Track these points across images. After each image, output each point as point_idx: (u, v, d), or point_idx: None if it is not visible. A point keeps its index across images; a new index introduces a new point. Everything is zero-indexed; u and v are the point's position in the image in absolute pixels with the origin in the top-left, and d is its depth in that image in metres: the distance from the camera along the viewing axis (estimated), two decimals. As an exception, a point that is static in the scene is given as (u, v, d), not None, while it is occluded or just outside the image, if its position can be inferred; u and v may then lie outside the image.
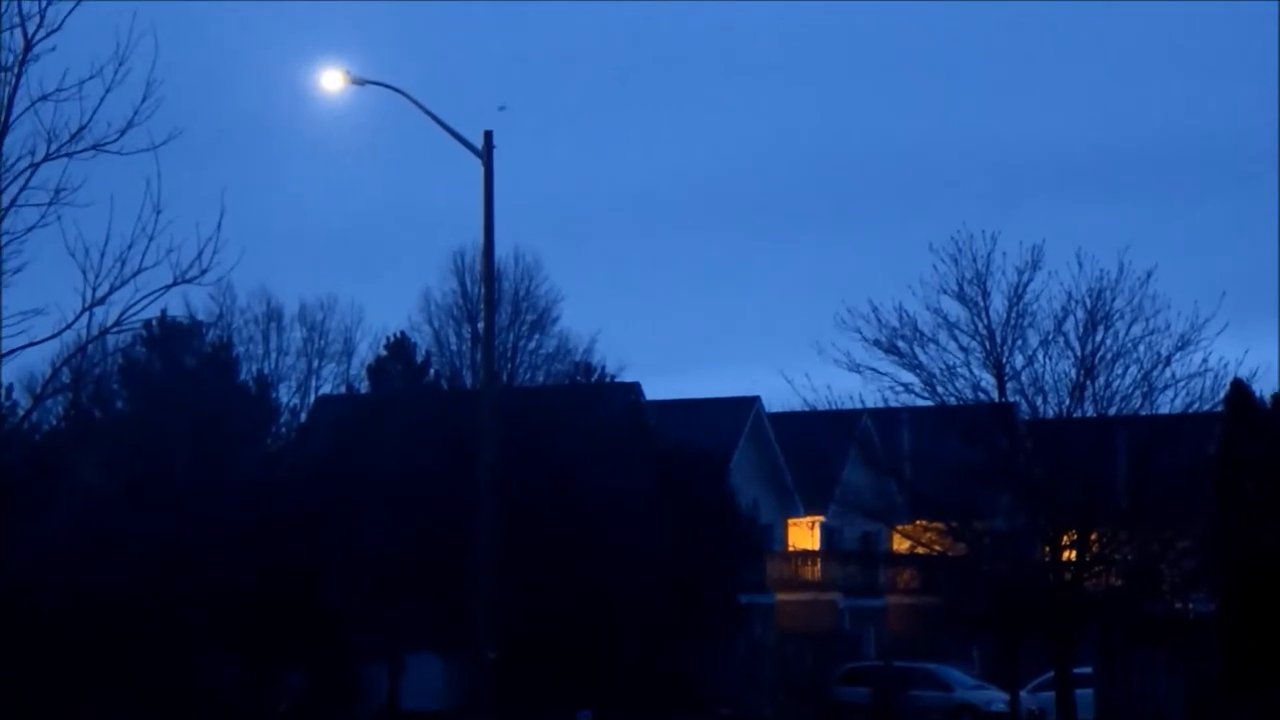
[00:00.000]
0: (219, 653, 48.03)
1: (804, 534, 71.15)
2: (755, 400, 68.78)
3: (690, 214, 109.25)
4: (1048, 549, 43.35)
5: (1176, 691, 45.04)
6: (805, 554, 70.08)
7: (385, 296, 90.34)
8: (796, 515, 70.23)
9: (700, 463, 55.54)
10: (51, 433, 46.23)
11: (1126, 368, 42.53)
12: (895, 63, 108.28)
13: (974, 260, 42.85)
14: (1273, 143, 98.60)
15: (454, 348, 53.30)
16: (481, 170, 38.61)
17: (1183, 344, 42.03)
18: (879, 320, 42.90)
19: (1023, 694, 50.99)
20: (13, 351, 27.20)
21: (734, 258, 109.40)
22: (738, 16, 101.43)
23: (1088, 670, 46.96)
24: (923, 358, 43.07)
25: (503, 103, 48.77)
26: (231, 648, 47.93)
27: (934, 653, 59.02)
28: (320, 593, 46.70)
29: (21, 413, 43.48)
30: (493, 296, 41.28)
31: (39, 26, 26.84)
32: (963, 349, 43.07)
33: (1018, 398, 43.35)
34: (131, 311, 27.29)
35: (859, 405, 45.02)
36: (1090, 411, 42.71)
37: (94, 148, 26.89)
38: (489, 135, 38.72)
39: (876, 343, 42.96)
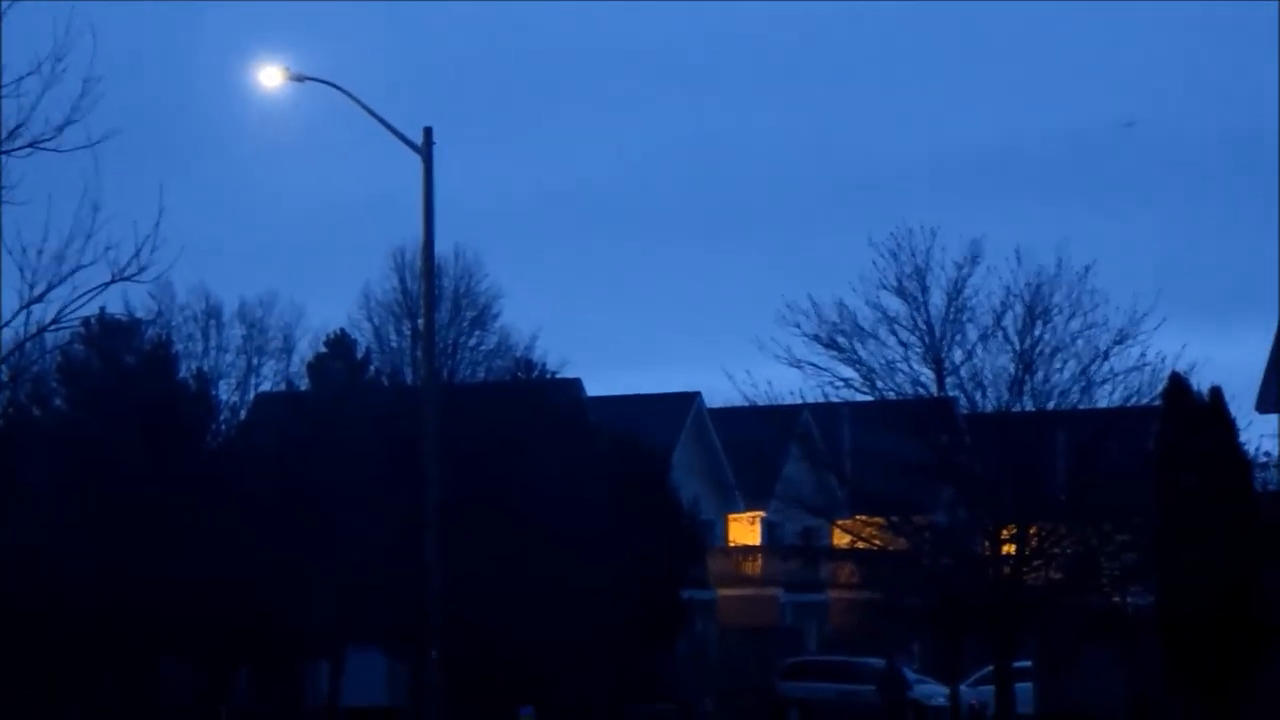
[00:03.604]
0: (161, 656, 47.79)
1: (745, 529, 71.26)
2: (696, 396, 68.85)
3: (631, 212, 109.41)
4: (988, 544, 43.51)
5: (1118, 687, 45.22)
6: (746, 549, 70.23)
7: (325, 294, 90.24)
8: (737, 511, 70.34)
9: (641, 459, 55.58)
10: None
11: (1065, 362, 42.78)
12: (834, 62, 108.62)
13: (913, 255, 43.07)
14: (1209, 136, 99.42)
15: (395, 345, 53.15)
16: (421, 167, 38.53)
17: (1121, 338, 42.29)
18: (819, 315, 43.08)
19: (963, 688, 51.15)
20: (-51, 350, 27.06)
21: (674, 255, 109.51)
22: (676, 20, 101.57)
23: (1028, 664, 47.15)
24: (862, 353, 43.25)
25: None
26: (174, 650, 47.69)
27: (875, 647, 59.18)
28: (262, 592, 46.49)
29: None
30: (433, 293, 41.16)
31: (-25, 24, 26.65)
32: (902, 344, 43.27)
33: (957, 393, 43.56)
34: (69, 309, 27.15)
35: (799, 401, 45.20)
36: (1029, 406, 42.88)
37: (31, 145, 26.69)
38: (429, 132, 38.62)
39: (816, 338, 43.11)
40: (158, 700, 47.37)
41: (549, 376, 54.08)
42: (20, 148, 26.68)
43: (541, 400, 52.78)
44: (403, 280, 52.28)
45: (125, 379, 48.37)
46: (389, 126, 38.49)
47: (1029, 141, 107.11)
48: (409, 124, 38.87)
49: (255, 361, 52.26)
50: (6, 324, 27.04)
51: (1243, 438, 41.67)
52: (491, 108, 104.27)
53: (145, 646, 45.19)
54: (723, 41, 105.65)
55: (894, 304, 43.14)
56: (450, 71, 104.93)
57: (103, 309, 40.69)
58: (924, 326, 43.06)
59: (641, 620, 53.07)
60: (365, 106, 38.47)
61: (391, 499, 44.81)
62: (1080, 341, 42.51)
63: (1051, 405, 42.74)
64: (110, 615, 43.34)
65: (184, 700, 48.22)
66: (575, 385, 58.95)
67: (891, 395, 43.39)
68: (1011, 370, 42.83)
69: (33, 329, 27.48)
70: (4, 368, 29.96)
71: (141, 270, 27.02)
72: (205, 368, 51.43)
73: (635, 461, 54.91)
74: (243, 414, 52.72)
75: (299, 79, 38.10)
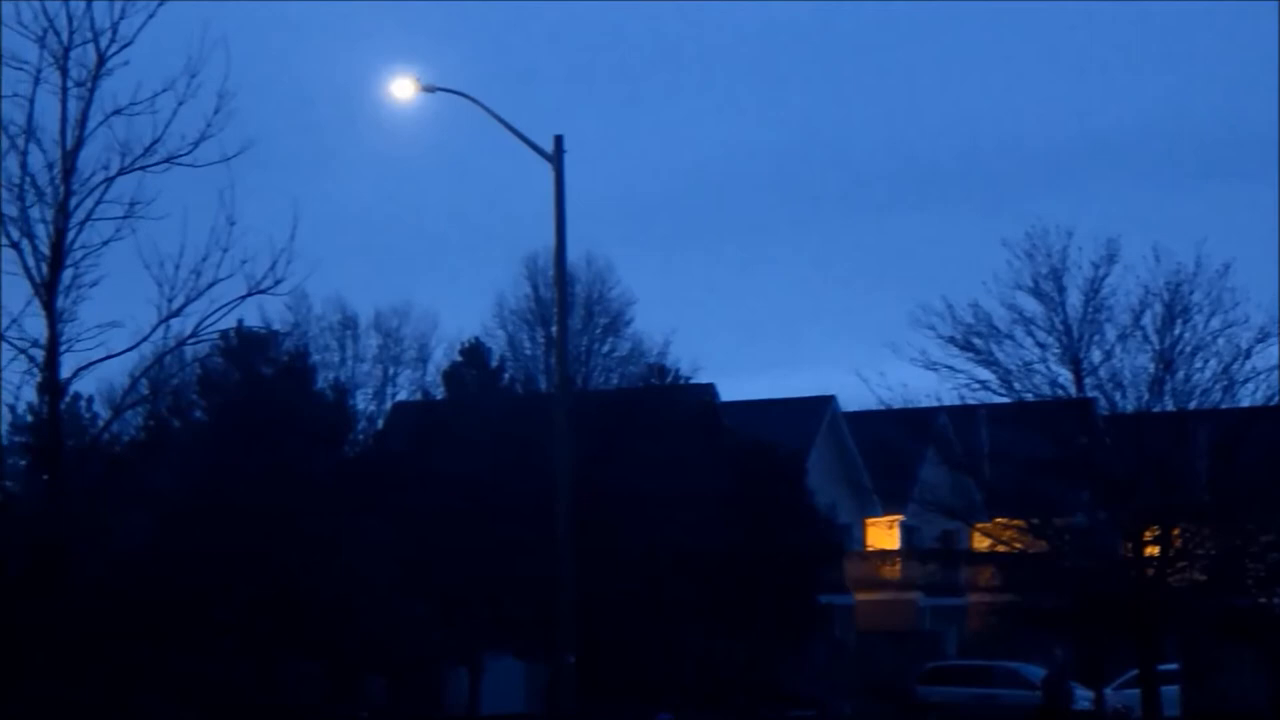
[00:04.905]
0: (297, 661, 48.08)
1: (883, 533, 70.89)
2: (831, 399, 68.58)
3: (762, 214, 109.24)
4: (1129, 545, 43.00)
5: (1262, 687, 44.58)
6: (884, 553, 69.85)
7: (459, 302, 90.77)
8: (875, 514, 69.98)
9: (777, 463, 55.39)
10: (131, 444, 46.40)
11: (1206, 361, 42.18)
12: (968, 54, 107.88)
13: (1049, 255, 42.60)
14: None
15: (528, 352, 53.36)
16: (552, 174, 38.55)
17: (1263, 336, 41.67)
18: (954, 317, 42.71)
19: (1108, 692, 50.58)
20: (91, 364, 27.50)
21: (807, 258, 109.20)
22: (805, 8, 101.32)
23: (1174, 667, 46.56)
24: (999, 354, 42.82)
25: None
26: (308, 654, 47.98)
27: (1016, 651, 58.67)
28: (397, 598, 46.70)
29: (102, 424, 43.77)
30: (565, 300, 41.20)
31: (111, 41, 27.12)
32: (1039, 345, 42.79)
33: (1096, 393, 43.03)
34: (207, 322, 27.58)
35: (935, 403, 44.76)
36: (1170, 406, 42.34)
37: (167, 160, 27.10)
38: (559, 140, 38.64)
39: (952, 340, 42.75)
40: (282, 699, 47.60)
41: (682, 382, 54.04)
42: (156, 163, 27.08)
43: (674, 406, 52.74)
44: (535, 288, 52.49)
45: (263, 390, 48.73)
46: (520, 135, 38.54)
47: (1159, 134, 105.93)
48: (537, 120, 38.93)
49: (391, 371, 52.64)
50: (146, 338, 27.45)
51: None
52: (617, 107, 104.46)
53: (261, 645, 45.41)
54: (845, 33, 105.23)
55: (1030, 304, 42.75)
56: (574, 70, 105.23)
57: (240, 321, 41.14)
58: (1061, 327, 42.60)
59: (777, 624, 52.90)
60: (496, 116, 38.54)
61: (520, 503, 44.86)
62: (1221, 340, 41.98)
63: (1193, 405, 42.20)
64: (222, 614, 43.62)
65: (311, 703, 48.47)
66: (708, 390, 58.88)
67: (1029, 397, 42.94)
68: (1151, 370, 42.32)
69: (171, 343, 27.90)
70: (144, 381, 30.38)
71: (277, 283, 27.46)
72: (342, 378, 51.77)
73: (770, 466, 54.73)
74: (380, 423, 53.02)
75: (430, 90, 38.23)
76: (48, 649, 27.96)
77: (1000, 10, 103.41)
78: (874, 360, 66.09)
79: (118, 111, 26.94)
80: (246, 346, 49.02)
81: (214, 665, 45.21)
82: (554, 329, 43.66)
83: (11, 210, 26.85)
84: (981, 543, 49.11)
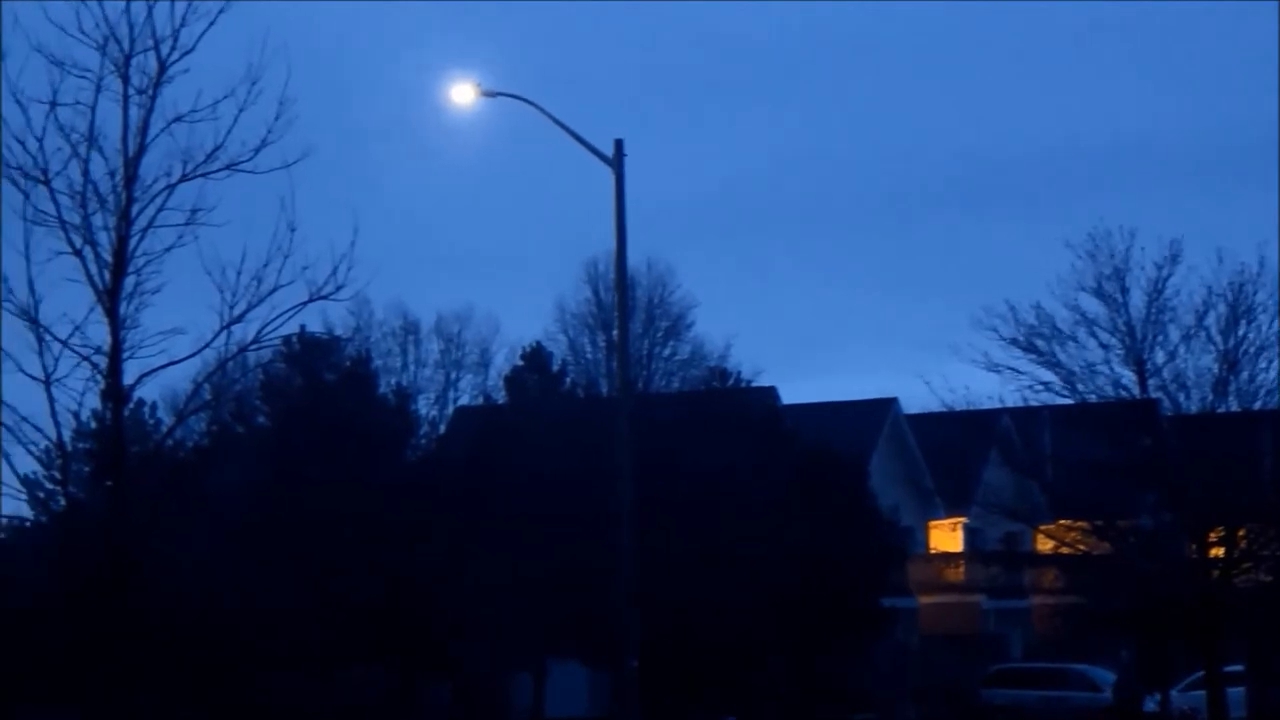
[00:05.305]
0: (360, 666, 48.20)
1: (946, 536, 70.62)
2: (893, 402, 68.34)
3: (821, 217, 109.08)
4: (1194, 547, 42.77)
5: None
6: (947, 556, 69.58)
7: (520, 306, 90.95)
8: (938, 517, 69.72)
9: (839, 465, 55.26)
10: (195, 450, 46.65)
11: (1270, 361, 42.00)
12: (1025, 59, 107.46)
13: (1111, 256, 42.45)
14: None
15: (589, 356, 53.35)
16: (613, 178, 38.53)
17: (1329, 337, 41.42)
18: (1016, 319, 42.61)
19: (1174, 693, 50.33)
20: (154, 370, 27.58)
21: (868, 259, 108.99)
22: (867, 11, 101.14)
23: (1240, 669, 46.30)
24: (1062, 356, 42.69)
25: None
26: (371, 659, 48.10)
27: (1081, 654, 58.41)
28: (459, 602, 46.80)
29: (165, 430, 43.96)
30: (626, 304, 41.16)
31: (172, 49, 27.19)
32: (1102, 346, 42.65)
33: (1159, 394, 42.84)
34: (269, 328, 27.58)
35: (998, 405, 44.66)
36: (1234, 406, 42.13)
37: (228, 167, 27.14)
38: (619, 144, 38.60)
39: (1014, 341, 42.64)
40: (346, 702, 47.70)
41: (743, 385, 53.95)
42: (217, 170, 27.15)
43: (736, 409, 52.67)
44: (596, 292, 52.49)
45: (325, 396, 48.89)
46: (580, 140, 38.53)
47: (1220, 135, 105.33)
48: (597, 123, 38.87)
49: (453, 376, 52.72)
50: (208, 345, 27.52)
51: None
52: (678, 110, 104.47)
53: (326, 649, 45.51)
54: (905, 36, 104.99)
55: (1093, 306, 42.62)
56: (633, 72, 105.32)
57: (302, 327, 41.30)
58: (1124, 328, 42.44)
59: (840, 627, 52.76)
60: (556, 120, 38.53)
61: (582, 507, 44.87)
62: (1286, 339, 41.75)
63: (1257, 405, 41.99)
64: (286, 619, 43.73)
65: (375, 709, 48.57)
66: (770, 393, 58.77)
67: (1093, 398, 42.78)
68: (1215, 370, 42.11)
69: (233, 349, 27.96)
70: (207, 387, 30.50)
71: (339, 289, 27.45)
72: (404, 383, 51.88)
73: (832, 469, 54.60)
74: (442, 428, 53.10)
75: (490, 94, 38.21)
76: (112, 656, 28.08)
77: (1058, 10, 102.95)
78: (934, 363, 66.14)
79: (179, 118, 27.03)
80: (309, 352, 49.20)
81: (276, 676, 45.36)
82: (615, 333, 43.60)
83: (74, 218, 26.97)
84: (1045, 545, 48.93)
